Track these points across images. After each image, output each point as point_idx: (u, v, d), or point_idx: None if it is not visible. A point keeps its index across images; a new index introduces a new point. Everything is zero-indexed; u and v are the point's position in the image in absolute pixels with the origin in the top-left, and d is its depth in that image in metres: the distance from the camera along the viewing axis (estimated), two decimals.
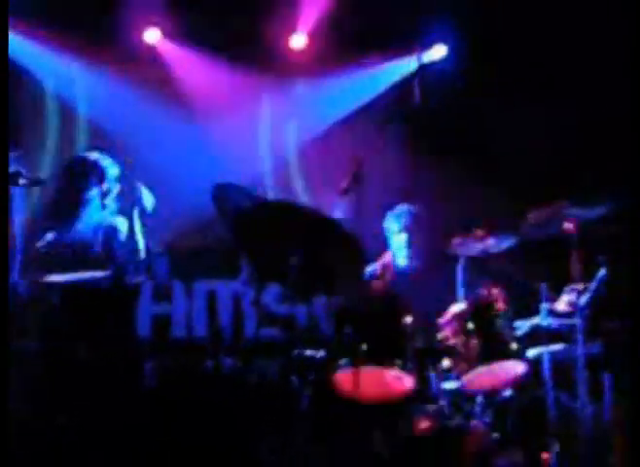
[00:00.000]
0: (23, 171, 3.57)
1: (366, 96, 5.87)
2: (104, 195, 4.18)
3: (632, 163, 3.74)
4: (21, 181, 3.55)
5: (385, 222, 4.60)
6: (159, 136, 5.75)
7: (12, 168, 3.56)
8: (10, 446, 3.26)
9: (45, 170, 5.40)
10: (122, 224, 4.19)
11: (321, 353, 3.93)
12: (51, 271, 3.89)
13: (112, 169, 4.20)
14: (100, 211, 4.17)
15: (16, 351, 3.49)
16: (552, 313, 4.03)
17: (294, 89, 5.93)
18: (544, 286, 4.01)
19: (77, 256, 4.01)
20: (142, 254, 4.23)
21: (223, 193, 3.97)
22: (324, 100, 5.88)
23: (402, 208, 4.58)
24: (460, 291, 4.10)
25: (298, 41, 5.80)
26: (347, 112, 5.87)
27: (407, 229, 4.49)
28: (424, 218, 4.54)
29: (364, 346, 3.72)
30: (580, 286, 3.97)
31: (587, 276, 3.99)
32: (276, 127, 5.98)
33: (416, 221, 4.50)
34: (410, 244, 4.48)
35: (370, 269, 4.32)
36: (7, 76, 3.52)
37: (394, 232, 4.54)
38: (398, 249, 4.52)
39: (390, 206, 4.67)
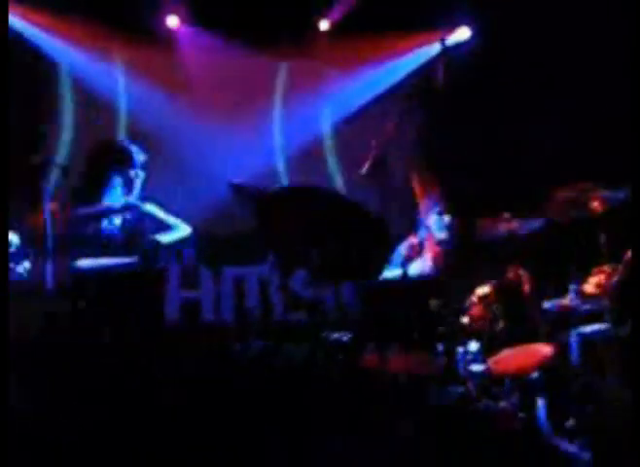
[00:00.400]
0: (53, 159, 3.60)
1: (391, 80, 5.86)
2: (132, 180, 4.20)
3: None
4: (51, 168, 3.58)
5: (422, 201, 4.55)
6: (181, 124, 5.78)
7: (43, 156, 3.60)
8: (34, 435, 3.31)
9: (62, 155, 5.44)
10: (151, 209, 4.22)
11: (348, 336, 3.95)
12: (79, 256, 3.94)
13: (139, 155, 4.23)
14: (128, 196, 4.19)
15: (43, 339, 3.54)
16: (581, 295, 4.01)
17: (320, 74, 5.92)
18: (572, 268, 3.99)
19: (105, 240, 4.05)
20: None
21: (236, 191, 3.98)
22: (351, 84, 5.87)
23: (439, 190, 4.54)
24: (488, 273, 4.10)
25: (323, 25, 5.79)
26: (373, 96, 5.86)
27: (445, 210, 4.46)
28: (458, 199, 4.50)
29: (391, 329, 3.72)
30: (608, 268, 3.95)
31: (615, 258, 3.96)
32: (302, 112, 5.98)
33: (452, 201, 4.47)
34: (449, 226, 4.45)
35: (397, 251, 4.32)
36: (7, 75, 3.55)
37: (433, 212, 4.50)
38: (435, 229, 4.47)
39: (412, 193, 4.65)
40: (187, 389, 4.33)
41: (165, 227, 4.13)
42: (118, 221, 4.19)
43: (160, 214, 4.16)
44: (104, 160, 4.17)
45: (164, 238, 4.09)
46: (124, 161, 4.17)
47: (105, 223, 4.13)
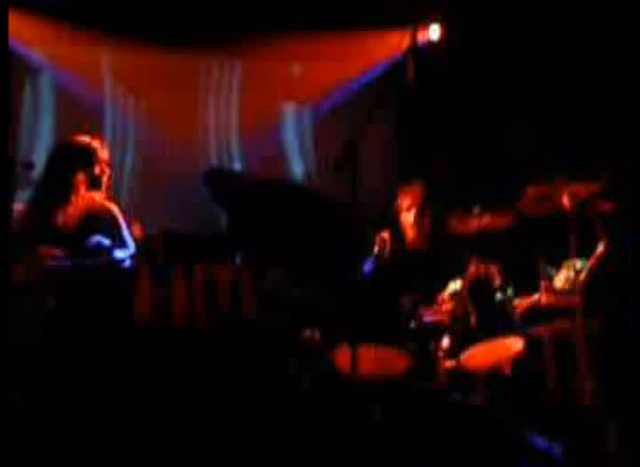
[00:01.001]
0: (16, 156, 3.53)
1: (360, 78, 5.85)
2: (97, 177, 4.13)
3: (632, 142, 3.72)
4: (15, 166, 3.52)
5: (396, 198, 4.54)
6: (153, 121, 5.73)
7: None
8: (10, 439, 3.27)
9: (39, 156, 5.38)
10: (115, 210, 4.15)
11: (320, 334, 3.94)
12: (44, 258, 3.87)
13: (102, 152, 4.15)
14: (92, 195, 4.13)
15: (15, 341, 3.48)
16: (551, 290, 4.03)
17: (286, 73, 5.91)
18: (542, 263, 4.01)
19: (70, 241, 3.98)
20: (140, 240, 4.21)
21: (216, 177, 3.95)
22: (318, 82, 5.86)
23: (413, 185, 4.53)
24: (457, 269, 4.10)
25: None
26: (342, 94, 5.85)
27: (415, 205, 4.45)
28: (431, 196, 4.50)
29: (363, 326, 3.71)
30: (578, 263, 3.97)
31: (585, 253, 3.99)
32: (271, 111, 5.96)
33: (425, 198, 4.47)
34: (417, 221, 4.45)
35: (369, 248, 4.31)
36: (8, 76, 3.49)
37: (404, 208, 4.49)
38: (406, 226, 4.47)
39: (387, 188, 4.66)
40: (158, 387, 4.30)
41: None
42: (84, 220, 4.11)
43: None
44: (64, 159, 4.09)
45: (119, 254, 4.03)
46: (86, 159, 4.09)
47: (70, 221, 4.06)
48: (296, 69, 5.99)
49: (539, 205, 4.01)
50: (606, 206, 4.01)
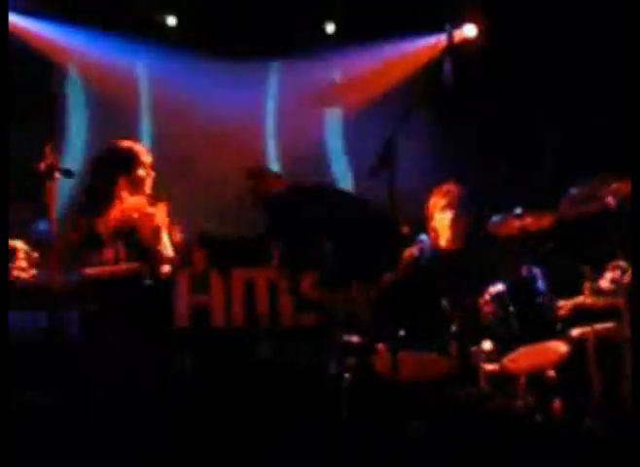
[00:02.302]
0: (58, 164, 3.57)
1: (396, 77, 5.82)
2: (141, 180, 4.13)
3: None
4: (56, 174, 3.56)
5: (431, 198, 4.48)
6: (190, 125, 5.76)
7: (48, 162, 3.57)
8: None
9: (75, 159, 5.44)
10: (161, 213, 4.16)
11: (359, 338, 3.91)
12: (87, 263, 3.91)
13: (145, 156, 4.16)
14: (136, 200, 4.14)
15: (53, 345, 3.52)
16: (596, 292, 3.95)
17: (325, 73, 5.90)
18: (585, 264, 3.93)
19: (116, 245, 4.01)
20: (179, 244, 4.23)
21: (255, 178, 3.93)
22: (357, 82, 5.84)
23: (449, 186, 4.45)
24: (500, 271, 4.04)
25: (330, 27, 5.79)
26: (378, 93, 5.82)
27: (452, 206, 4.37)
28: (468, 197, 4.42)
29: (402, 330, 3.67)
30: (623, 263, 3.88)
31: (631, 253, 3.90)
32: (307, 111, 5.95)
33: (462, 199, 4.38)
34: (454, 222, 4.37)
35: (405, 251, 4.27)
36: (7, 73, 3.52)
37: (438, 208, 4.41)
38: (440, 227, 4.40)
39: (424, 188, 4.60)
40: (195, 392, 4.31)
41: None
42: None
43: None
44: (107, 163, 4.11)
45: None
46: (129, 162, 4.10)
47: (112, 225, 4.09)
48: (335, 71, 5.97)
49: (582, 206, 3.93)
50: None
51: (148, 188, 4.13)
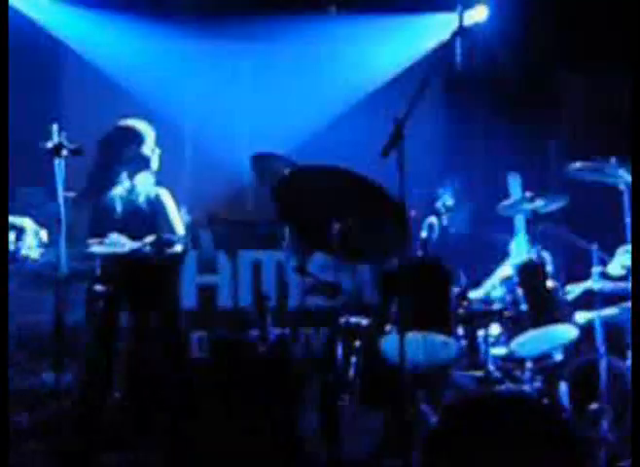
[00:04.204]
0: (65, 142, 3.56)
1: (408, 58, 5.77)
2: (147, 157, 4.16)
3: None
4: (64, 152, 3.55)
5: (440, 184, 4.48)
6: (198, 108, 5.73)
7: (55, 140, 3.56)
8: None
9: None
10: (166, 194, 4.18)
11: (366, 320, 3.89)
12: (94, 243, 3.92)
13: (150, 134, 4.19)
14: (143, 177, 4.15)
15: (62, 323, 3.52)
16: (606, 277, 3.93)
17: (335, 55, 5.85)
18: (595, 248, 3.90)
19: (120, 224, 4.02)
20: (185, 226, 4.23)
21: (262, 162, 3.94)
22: (366, 64, 5.79)
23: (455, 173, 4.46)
24: (509, 254, 4.02)
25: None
26: (390, 75, 5.78)
27: (460, 191, 4.38)
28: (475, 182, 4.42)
29: (409, 312, 3.66)
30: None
31: None
32: (318, 93, 5.91)
33: (469, 184, 4.39)
34: (461, 207, 4.38)
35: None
36: (7, 73, 3.50)
37: (447, 193, 4.42)
38: (448, 212, 4.40)
39: (433, 171, 4.59)
40: (205, 376, 4.32)
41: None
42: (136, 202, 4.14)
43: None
44: (114, 141, 4.13)
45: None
46: (135, 139, 4.13)
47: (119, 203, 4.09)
48: (345, 52, 5.92)
49: (587, 173, 3.89)
50: None
51: (154, 164, 4.17)
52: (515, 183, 4.19)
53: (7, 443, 3.05)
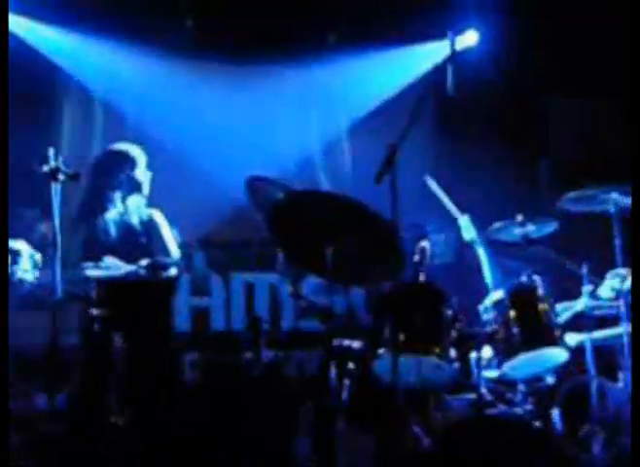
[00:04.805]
0: (62, 167, 3.59)
1: (399, 84, 5.84)
2: (139, 182, 4.21)
3: None
4: (60, 176, 3.58)
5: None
6: (191, 129, 5.77)
7: (52, 164, 3.60)
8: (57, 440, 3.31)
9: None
10: (158, 216, 4.22)
11: (360, 343, 3.91)
12: (89, 266, 3.94)
13: (142, 158, 4.24)
14: (135, 200, 4.18)
15: (56, 345, 3.53)
16: (596, 299, 3.97)
17: (325, 80, 5.92)
18: (585, 270, 3.94)
19: (114, 248, 4.04)
20: (178, 247, 4.26)
21: (255, 185, 3.97)
22: (358, 88, 5.86)
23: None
24: (501, 278, 4.06)
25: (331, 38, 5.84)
26: (381, 101, 5.85)
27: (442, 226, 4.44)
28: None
29: (402, 335, 3.68)
30: (623, 271, 3.90)
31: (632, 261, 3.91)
32: (309, 117, 5.97)
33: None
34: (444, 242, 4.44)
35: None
36: (7, 74, 3.53)
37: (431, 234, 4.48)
38: (439, 235, 4.46)
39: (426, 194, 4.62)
40: (197, 399, 4.32)
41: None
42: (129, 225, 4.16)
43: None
44: (106, 164, 4.18)
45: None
46: (127, 163, 4.18)
47: (113, 228, 4.11)
48: (339, 79, 5.98)
49: (580, 204, 3.95)
50: None
51: (145, 188, 4.22)
52: (466, 225, 4.27)
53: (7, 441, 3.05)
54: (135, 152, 4.24)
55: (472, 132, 5.61)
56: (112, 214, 4.15)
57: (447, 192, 4.49)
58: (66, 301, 3.59)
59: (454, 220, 4.45)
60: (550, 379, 3.91)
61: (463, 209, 4.44)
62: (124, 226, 4.13)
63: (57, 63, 5.62)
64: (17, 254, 3.84)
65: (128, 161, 4.18)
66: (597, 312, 3.99)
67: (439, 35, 5.52)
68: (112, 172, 4.16)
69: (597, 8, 5.23)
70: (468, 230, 4.27)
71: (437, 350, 3.71)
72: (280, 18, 5.66)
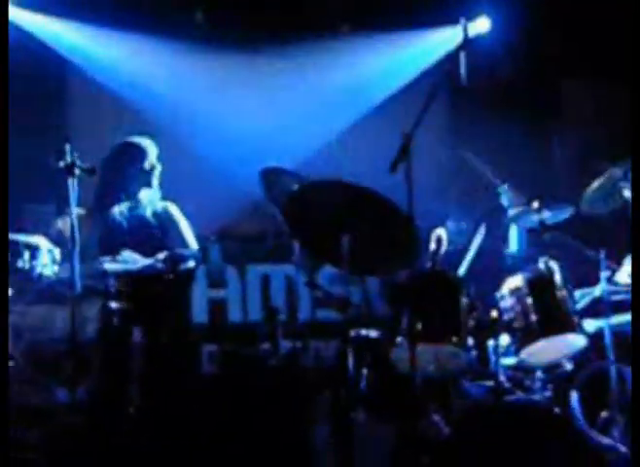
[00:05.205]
0: (78, 162, 3.61)
1: (412, 71, 5.83)
2: (148, 173, 4.22)
3: None
4: (76, 171, 3.60)
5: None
6: (206, 123, 5.78)
7: (67, 160, 3.61)
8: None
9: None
10: (174, 209, 4.23)
11: (377, 332, 3.92)
12: (106, 260, 3.96)
13: (152, 149, 4.26)
14: (149, 194, 4.21)
15: (76, 339, 3.56)
16: (614, 284, 3.95)
17: (340, 69, 5.90)
18: (603, 256, 3.92)
19: (131, 242, 4.06)
20: (195, 240, 4.27)
21: (271, 177, 3.98)
22: (371, 77, 5.85)
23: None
24: (517, 264, 4.04)
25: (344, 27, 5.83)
26: (394, 89, 5.83)
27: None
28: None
29: (419, 324, 3.68)
30: None
31: None
32: (323, 108, 5.96)
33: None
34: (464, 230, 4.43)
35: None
36: (7, 75, 3.55)
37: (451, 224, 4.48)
38: (458, 223, 4.46)
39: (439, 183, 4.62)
40: (216, 391, 4.34)
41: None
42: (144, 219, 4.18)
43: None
44: (118, 158, 4.20)
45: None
46: (139, 156, 4.20)
47: (129, 220, 4.13)
48: (352, 67, 5.97)
49: (600, 204, 3.94)
50: None
51: (156, 180, 4.23)
52: (505, 194, 4.27)
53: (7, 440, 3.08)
54: (147, 144, 4.25)
55: (487, 118, 5.57)
56: (124, 207, 4.17)
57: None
58: (85, 295, 3.62)
59: (472, 206, 4.45)
60: (568, 366, 3.90)
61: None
62: (137, 218, 4.15)
63: (70, 58, 5.64)
64: (35, 249, 3.87)
65: (140, 154, 4.20)
66: (615, 298, 3.96)
67: (451, 22, 5.51)
68: (124, 165, 4.17)
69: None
70: (508, 197, 4.28)
71: (454, 339, 3.71)
72: (292, 10, 5.65)
